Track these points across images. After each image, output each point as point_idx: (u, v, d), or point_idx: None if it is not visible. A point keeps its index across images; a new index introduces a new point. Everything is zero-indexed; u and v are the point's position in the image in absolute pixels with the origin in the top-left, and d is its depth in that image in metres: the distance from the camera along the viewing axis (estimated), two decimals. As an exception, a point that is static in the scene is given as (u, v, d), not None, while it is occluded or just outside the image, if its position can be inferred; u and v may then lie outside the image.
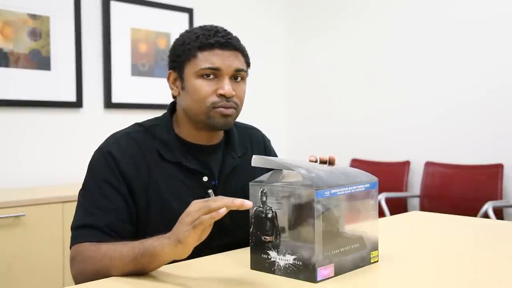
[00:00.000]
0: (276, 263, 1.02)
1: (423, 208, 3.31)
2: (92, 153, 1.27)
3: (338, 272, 1.02)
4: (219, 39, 1.22)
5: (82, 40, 3.05)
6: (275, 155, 1.48)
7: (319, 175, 1.01)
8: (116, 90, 3.18)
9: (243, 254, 1.15)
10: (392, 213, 3.14)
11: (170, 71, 1.30)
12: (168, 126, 1.29)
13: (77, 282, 1.13)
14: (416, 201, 3.45)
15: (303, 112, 4.18)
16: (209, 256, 1.20)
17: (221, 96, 1.21)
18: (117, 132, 1.29)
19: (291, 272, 1.00)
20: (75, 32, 2.99)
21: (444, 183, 3.30)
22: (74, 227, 1.19)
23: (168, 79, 1.31)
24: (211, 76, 1.22)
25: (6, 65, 2.75)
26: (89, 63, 3.10)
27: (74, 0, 2.98)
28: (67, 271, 2.42)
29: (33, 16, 2.84)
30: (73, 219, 1.21)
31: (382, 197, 3.19)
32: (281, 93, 4.27)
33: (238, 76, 1.25)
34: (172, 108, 1.34)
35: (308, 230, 0.97)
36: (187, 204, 1.10)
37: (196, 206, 1.00)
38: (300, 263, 0.99)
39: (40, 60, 2.87)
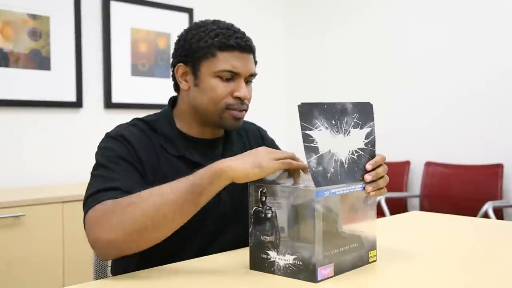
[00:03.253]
0: (276, 263, 1.02)
1: (423, 208, 3.33)
2: (92, 153, 1.24)
3: (338, 272, 1.02)
4: (239, 41, 1.22)
5: (82, 40, 3.06)
6: (272, 144, 1.48)
7: (325, 170, 1.00)
8: (116, 90, 3.20)
9: (243, 254, 1.16)
10: (392, 213, 3.16)
11: (180, 64, 1.27)
12: (169, 121, 1.29)
13: (104, 243, 1.04)
14: (416, 201, 3.47)
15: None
16: (209, 256, 1.20)
17: (237, 98, 1.23)
18: (122, 124, 1.28)
19: (291, 272, 1.00)
20: (75, 32, 3.01)
21: (444, 183, 3.32)
22: (92, 193, 1.11)
23: (176, 72, 1.28)
24: (229, 78, 1.22)
25: (6, 65, 2.76)
26: (89, 63, 3.12)
27: (74, 0, 3.00)
28: (67, 271, 2.43)
29: (33, 16, 2.86)
30: (88, 188, 1.13)
31: (382, 197, 3.19)
32: (281, 93, 4.30)
33: (250, 79, 1.27)
34: (172, 103, 1.34)
35: (308, 230, 0.97)
36: None
37: (273, 150, 1.07)
38: (300, 263, 0.99)
39: (40, 60, 2.89)
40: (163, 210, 1.02)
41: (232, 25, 1.27)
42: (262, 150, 1.06)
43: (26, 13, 2.83)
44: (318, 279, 0.98)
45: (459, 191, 3.24)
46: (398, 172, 3.52)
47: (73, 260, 2.42)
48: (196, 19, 3.57)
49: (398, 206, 3.38)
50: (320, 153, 1.00)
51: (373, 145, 1.09)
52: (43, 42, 2.89)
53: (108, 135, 1.24)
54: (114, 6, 3.18)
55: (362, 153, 1.07)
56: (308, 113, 1.01)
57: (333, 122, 1.04)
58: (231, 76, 1.22)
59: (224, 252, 1.23)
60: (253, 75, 1.26)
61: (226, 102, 1.22)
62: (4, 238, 2.30)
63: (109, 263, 1.40)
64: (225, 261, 1.16)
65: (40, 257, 2.36)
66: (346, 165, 1.04)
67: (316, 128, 1.01)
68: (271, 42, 4.20)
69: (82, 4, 3.06)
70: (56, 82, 2.95)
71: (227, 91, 1.22)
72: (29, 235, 2.35)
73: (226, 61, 1.21)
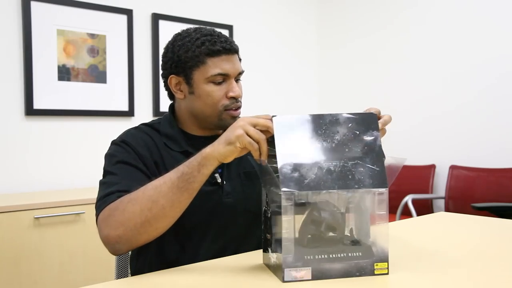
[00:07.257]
0: (271, 260, 1.05)
1: (447, 209, 3.36)
2: None
3: (319, 277, 0.99)
4: (224, 44, 1.25)
5: (134, 56, 3.23)
6: None
7: (303, 176, 0.97)
8: (164, 100, 3.35)
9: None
10: (418, 213, 3.22)
11: (172, 75, 1.29)
12: (170, 122, 1.33)
13: (113, 239, 1.08)
14: (441, 202, 3.50)
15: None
16: (229, 256, 1.21)
17: (232, 98, 1.27)
18: (128, 129, 1.35)
19: (275, 269, 1.02)
20: (127, 48, 3.19)
21: (468, 186, 3.33)
22: (99, 198, 1.16)
23: (169, 83, 1.31)
24: (221, 81, 1.26)
25: (68, 79, 2.97)
26: (140, 76, 3.27)
27: (127, 20, 3.18)
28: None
29: (92, 35, 3.04)
30: (97, 194, 1.18)
31: (409, 198, 3.28)
32: (312, 98, 4.35)
33: (239, 78, 1.31)
34: (171, 109, 1.39)
35: (280, 231, 0.98)
36: None
37: (250, 119, 1.04)
38: (278, 262, 1.00)
39: (97, 74, 3.07)
40: (159, 202, 1.05)
41: (213, 30, 1.29)
42: (239, 121, 1.04)
43: (86, 32, 3.02)
44: (285, 279, 0.97)
45: (483, 193, 3.23)
46: (424, 175, 3.55)
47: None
48: (236, 34, 3.77)
49: (424, 207, 3.43)
50: (299, 161, 0.98)
51: (379, 153, 1.02)
52: (100, 58, 3.07)
53: (112, 142, 1.29)
54: (163, 25, 3.36)
55: (360, 162, 1.00)
56: (284, 124, 1.01)
57: (319, 132, 1.01)
58: (223, 79, 1.26)
59: (244, 253, 1.23)
60: (241, 73, 1.29)
61: (223, 104, 1.26)
62: (67, 233, 2.45)
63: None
64: (244, 260, 1.15)
65: (97, 250, 2.47)
66: (335, 173, 0.99)
67: (294, 138, 1.00)
68: (304, 49, 4.28)
69: (134, 23, 3.22)
70: (110, 94, 3.12)
71: (222, 94, 1.25)
72: (88, 230, 2.48)
73: (215, 65, 1.24)
